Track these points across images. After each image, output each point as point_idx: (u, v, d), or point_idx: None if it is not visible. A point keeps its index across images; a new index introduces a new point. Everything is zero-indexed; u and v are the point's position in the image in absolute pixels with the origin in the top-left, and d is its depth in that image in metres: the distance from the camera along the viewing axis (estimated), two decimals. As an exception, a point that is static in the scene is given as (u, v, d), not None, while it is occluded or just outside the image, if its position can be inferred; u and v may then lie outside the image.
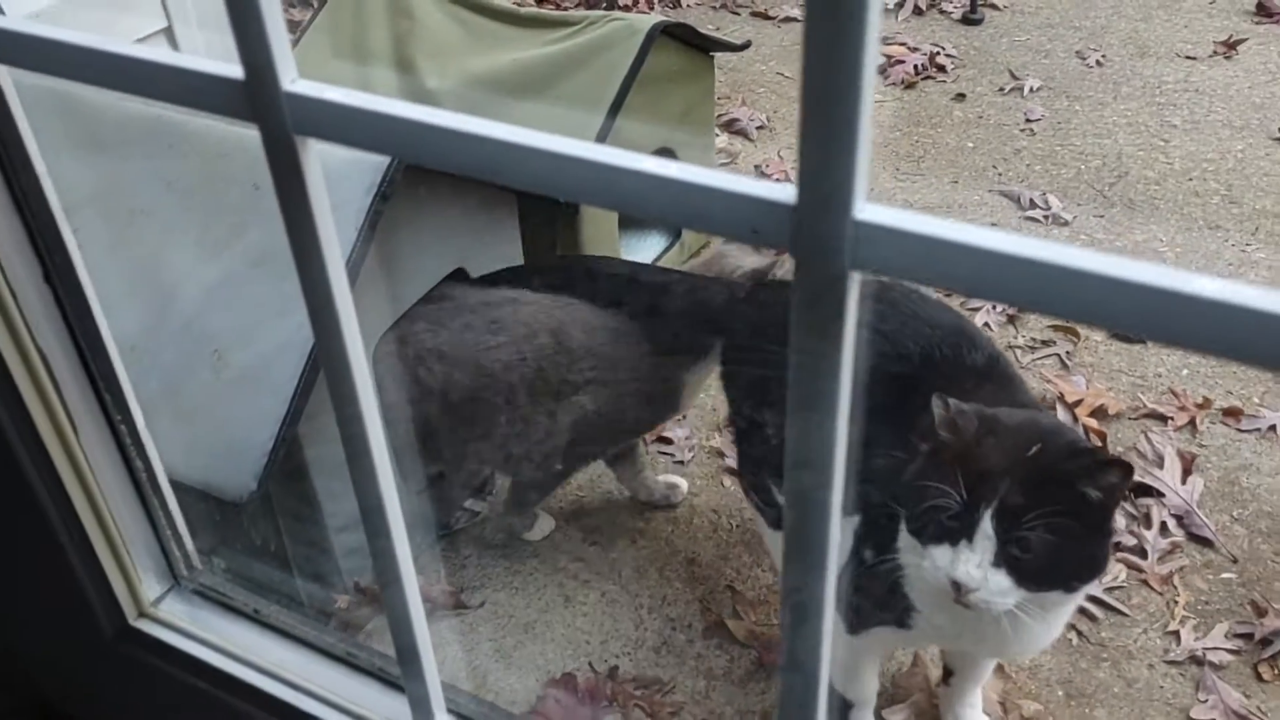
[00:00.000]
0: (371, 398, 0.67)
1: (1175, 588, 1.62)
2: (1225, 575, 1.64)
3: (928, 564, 1.07)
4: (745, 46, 2.25)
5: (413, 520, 1.63)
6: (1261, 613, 1.56)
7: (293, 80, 0.56)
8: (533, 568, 1.67)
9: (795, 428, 0.51)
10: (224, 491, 1.33)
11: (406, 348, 1.52)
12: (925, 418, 1.12)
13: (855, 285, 0.47)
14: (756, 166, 2.66)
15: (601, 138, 1.86)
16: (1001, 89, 2.95)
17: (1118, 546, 1.66)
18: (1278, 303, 0.37)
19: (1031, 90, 2.92)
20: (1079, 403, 1.90)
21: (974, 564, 1.02)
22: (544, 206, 1.85)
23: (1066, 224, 2.39)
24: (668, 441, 1.87)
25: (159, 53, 0.60)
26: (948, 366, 1.24)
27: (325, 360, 0.67)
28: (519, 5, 2.55)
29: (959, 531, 1.04)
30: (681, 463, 1.84)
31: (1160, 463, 1.80)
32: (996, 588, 1.03)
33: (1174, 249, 2.31)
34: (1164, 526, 1.70)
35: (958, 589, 1.04)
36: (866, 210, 0.45)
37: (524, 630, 1.58)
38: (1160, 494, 1.75)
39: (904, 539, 1.14)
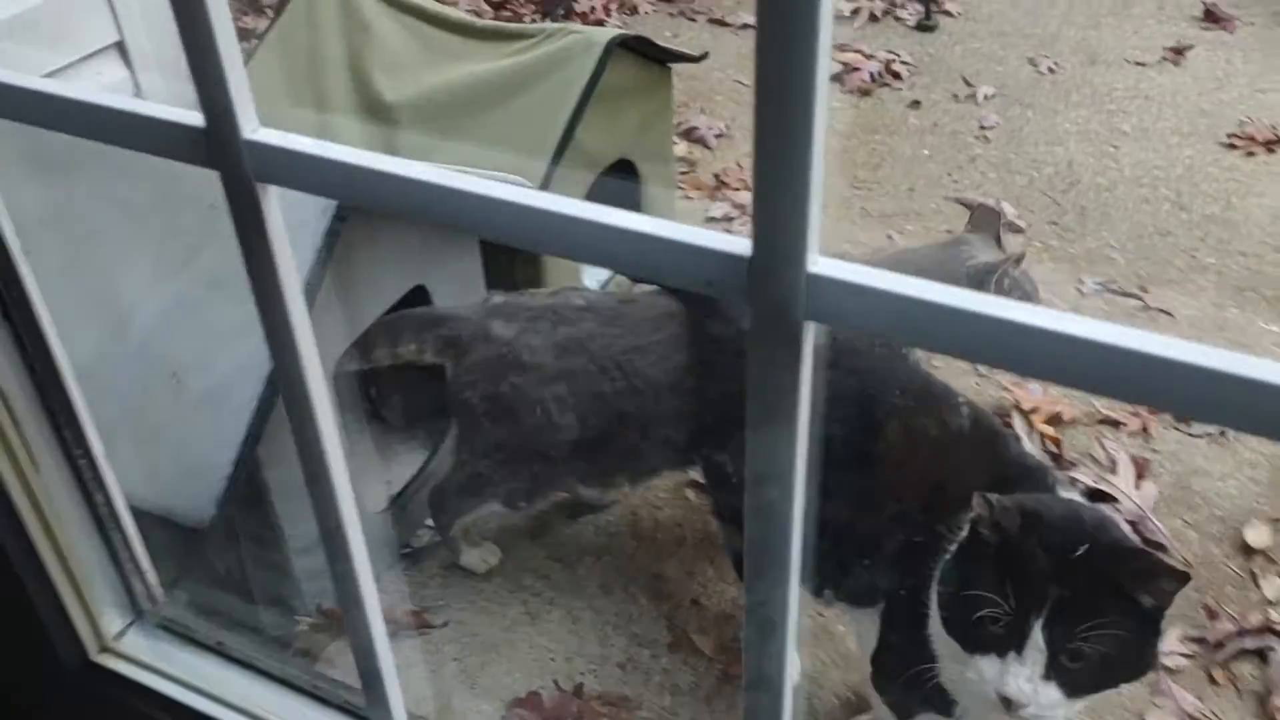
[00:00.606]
0: (330, 420, 0.68)
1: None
2: (1179, 579, 1.67)
3: (973, 674, 1.02)
4: (703, 58, 2.27)
5: (373, 540, 1.63)
6: (1214, 616, 1.60)
7: (254, 129, 0.56)
8: (497, 586, 1.67)
9: (755, 470, 0.53)
10: (184, 517, 1.32)
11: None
12: (915, 499, 1.11)
13: (810, 334, 0.48)
14: (716, 175, 2.67)
15: (559, 152, 1.86)
16: (956, 96, 2.98)
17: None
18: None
19: (985, 98, 2.96)
20: (1035, 410, 1.93)
21: (1024, 678, 0.98)
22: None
23: (1021, 231, 2.42)
24: (630, 455, 1.87)
25: (120, 99, 0.60)
26: (925, 435, 1.21)
27: (285, 390, 0.67)
28: (477, 15, 2.55)
29: (1007, 642, 0.99)
30: (644, 476, 1.85)
31: (1114, 468, 1.83)
32: (1048, 701, 0.99)
33: (1125, 255, 2.34)
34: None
35: (1008, 705, 1.00)
36: (820, 264, 0.46)
37: (489, 649, 1.58)
38: (1115, 500, 1.78)
39: (940, 637, 1.08)
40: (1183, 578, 0.97)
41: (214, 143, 0.56)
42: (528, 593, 1.66)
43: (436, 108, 1.95)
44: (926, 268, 1.68)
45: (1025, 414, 1.92)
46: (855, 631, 1.42)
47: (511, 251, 1.87)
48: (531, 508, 1.70)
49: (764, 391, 0.50)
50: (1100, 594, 0.97)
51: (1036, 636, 0.97)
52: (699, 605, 1.63)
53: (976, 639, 1.01)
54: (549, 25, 1.99)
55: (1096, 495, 1.79)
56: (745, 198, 2.56)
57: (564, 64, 1.90)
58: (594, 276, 2.18)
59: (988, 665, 1.00)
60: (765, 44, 0.41)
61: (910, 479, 1.19)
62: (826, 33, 0.40)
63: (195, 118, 0.56)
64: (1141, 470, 1.83)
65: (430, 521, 1.72)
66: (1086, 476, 1.80)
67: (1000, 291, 1.60)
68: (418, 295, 1.62)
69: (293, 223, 0.61)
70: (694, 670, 1.55)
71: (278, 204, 0.58)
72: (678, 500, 1.81)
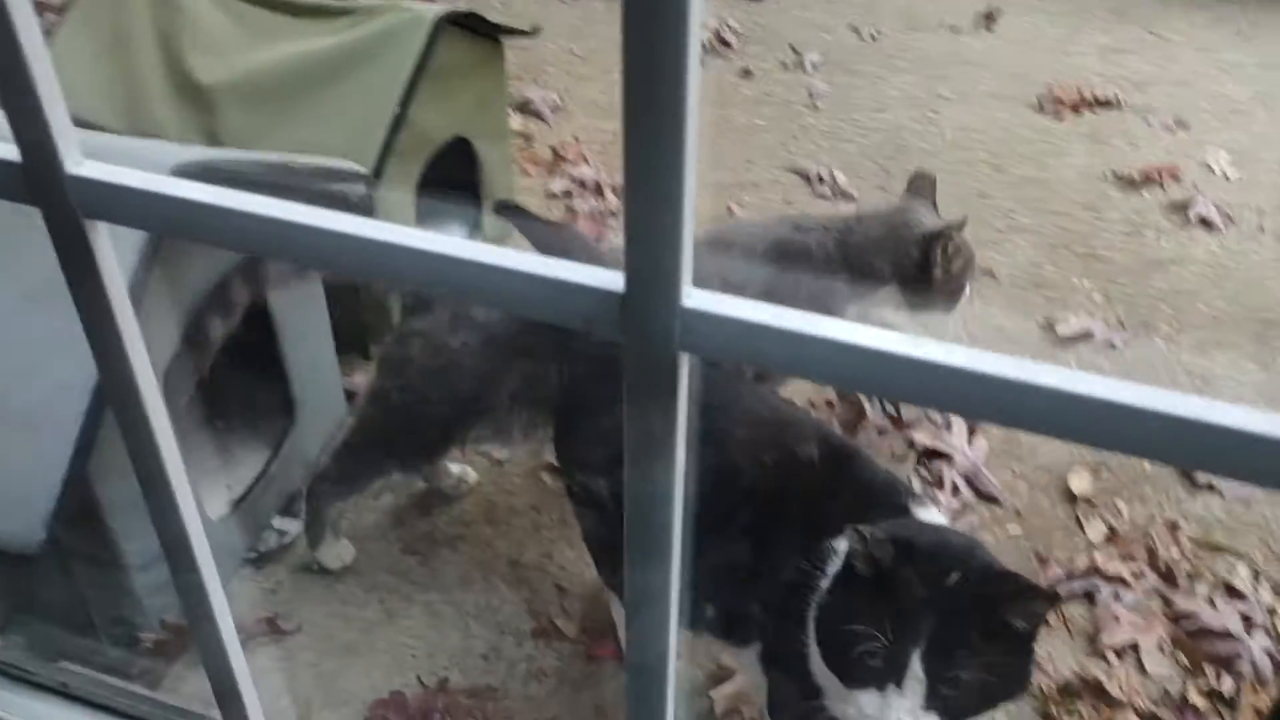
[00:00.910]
0: (167, 429, 0.63)
1: (969, 546, 1.73)
2: (1011, 528, 1.77)
3: (854, 711, 1.01)
4: (535, 33, 2.23)
5: (217, 548, 1.57)
6: (1044, 563, 1.69)
7: (77, 163, 0.52)
8: (351, 586, 1.63)
9: (633, 497, 0.52)
10: (11, 543, 1.23)
11: None
12: (791, 538, 1.09)
13: (685, 364, 0.48)
14: (553, 149, 2.64)
15: (392, 134, 1.81)
16: (785, 65, 3.03)
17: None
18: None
19: (813, 66, 3.02)
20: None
21: (905, 710, 0.97)
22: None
23: (853, 199, 2.49)
24: (482, 441, 1.85)
25: None
26: (782, 465, 1.20)
27: (119, 414, 0.63)
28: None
29: (887, 675, 0.98)
30: (500, 462, 1.83)
31: (949, 426, 1.91)
32: None
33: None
34: (955, 488, 1.82)
35: None
36: (693, 297, 0.46)
37: (346, 651, 1.54)
38: (949, 457, 1.86)
39: (821, 672, 1.07)
40: (1052, 598, 0.99)
41: (33, 178, 0.52)
42: (384, 590, 1.63)
43: (258, 90, 1.86)
44: (878, 235, 1.69)
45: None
46: (741, 669, 1.42)
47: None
48: (426, 469, 1.71)
49: (641, 421, 0.49)
50: (975, 621, 0.97)
51: (915, 667, 0.96)
52: (560, 589, 1.63)
53: (856, 673, 1.00)
54: (371, 1, 1.92)
55: (933, 454, 1.87)
56: (585, 172, 2.54)
57: (391, 43, 1.84)
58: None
59: (868, 700, 0.99)
60: (632, 94, 0.40)
61: (766, 511, 1.17)
62: (695, 86, 0.39)
63: (10, 151, 0.52)
64: (973, 426, 1.92)
65: (278, 523, 1.66)
66: (924, 436, 1.88)
67: (947, 257, 1.64)
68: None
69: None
70: (558, 654, 1.55)
71: (108, 239, 0.54)
72: (532, 485, 1.80)
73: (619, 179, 2.57)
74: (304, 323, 1.69)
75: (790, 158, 2.65)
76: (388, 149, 1.80)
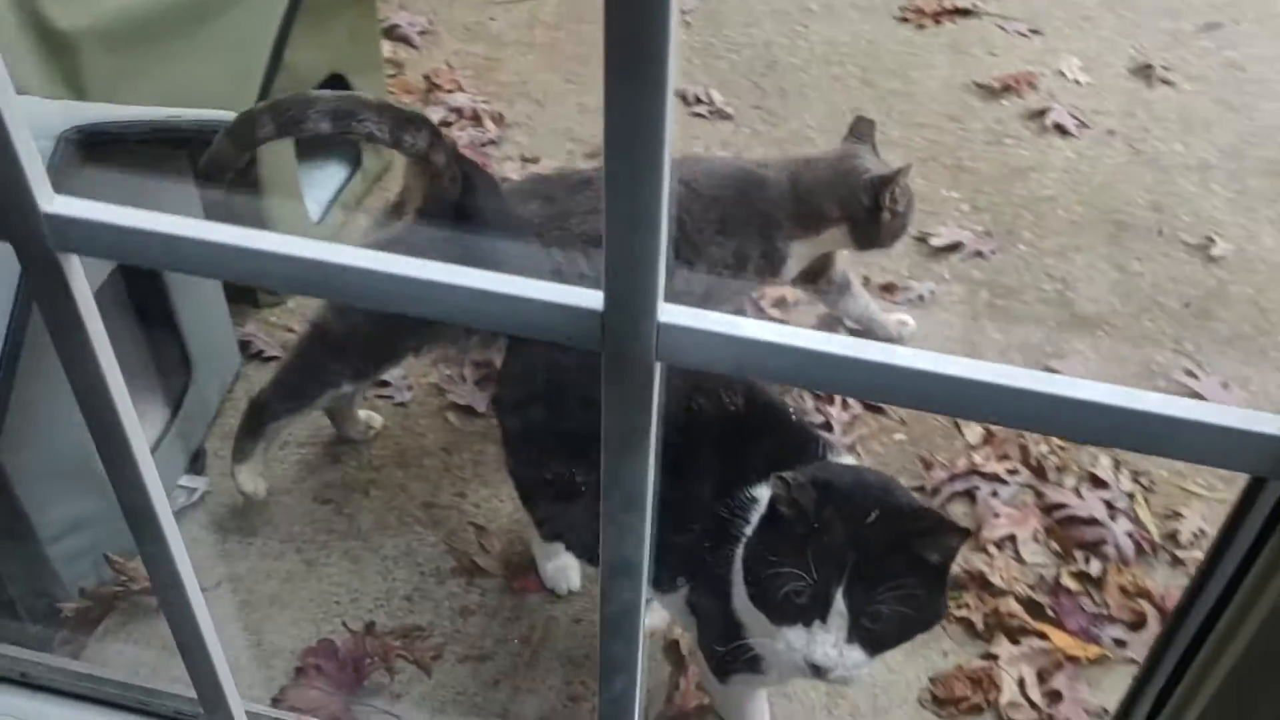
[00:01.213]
0: (131, 411, 0.64)
1: (860, 454, 1.83)
2: (898, 436, 1.88)
3: (782, 646, 1.06)
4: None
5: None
6: (929, 466, 1.81)
7: (49, 199, 0.53)
8: (266, 538, 1.64)
9: (611, 493, 0.57)
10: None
11: None
12: (709, 482, 1.13)
13: (659, 372, 0.53)
14: (426, 76, 2.60)
15: (269, 78, 1.76)
16: (653, -20, 3.02)
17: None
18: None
19: (681, -20, 3.02)
20: (762, 296, 2.06)
21: (830, 644, 1.03)
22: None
23: (730, 118, 2.53)
24: (384, 384, 1.86)
25: None
26: (710, 417, 1.24)
27: (99, 440, 0.64)
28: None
29: (811, 611, 1.04)
30: (403, 404, 1.85)
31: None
32: (852, 663, 1.05)
33: (823, 135, 2.51)
34: (844, 402, 1.92)
35: (817, 671, 1.05)
36: (667, 312, 0.50)
37: (270, 603, 1.56)
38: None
39: (746, 610, 1.12)
40: (964, 533, 1.04)
41: (6, 215, 0.52)
42: (300, 541, 1.65)
43: (123, 35, 1.77)
44: (829, 179, 1.76)
45: (753, 302, 2.05)
46: (671, 614, 1.46)
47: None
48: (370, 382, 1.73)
49: (618, 424, 0.54)
50: (892, 557, 1.03)
51: (838, 604, 1.02)
52: (476, 528, 1.67)
53: (783, 611, 1.05)
54: (239, -64, 1.84)
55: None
56: (461, 99, 2.51)
57: (263, -21, 1.78)
58: (316, 200, 2.10)
59: (795, 636, 1.05)
60: (613, 133, 0.43)
61: (693, 463, 1.20)
62: (671, 127, 0.43)
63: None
64: (858, 341, 2.01)
65: (185, 481, 1.65)
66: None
67: (894, 201, 1.72)
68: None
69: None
70: (481, 590, 1.60)
71: (83, 275, 0.55)
72: (439, 426, 1.83)
73: (495, 106, 2.56)
74: (194, 278, 1.66)
75: (665, 77, 2.66)
76: (265, 94, 1.76)
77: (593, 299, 0.50)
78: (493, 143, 2.42)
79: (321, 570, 1.61)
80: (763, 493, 1.13)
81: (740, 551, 1.12)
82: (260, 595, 1.57)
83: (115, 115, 1.39)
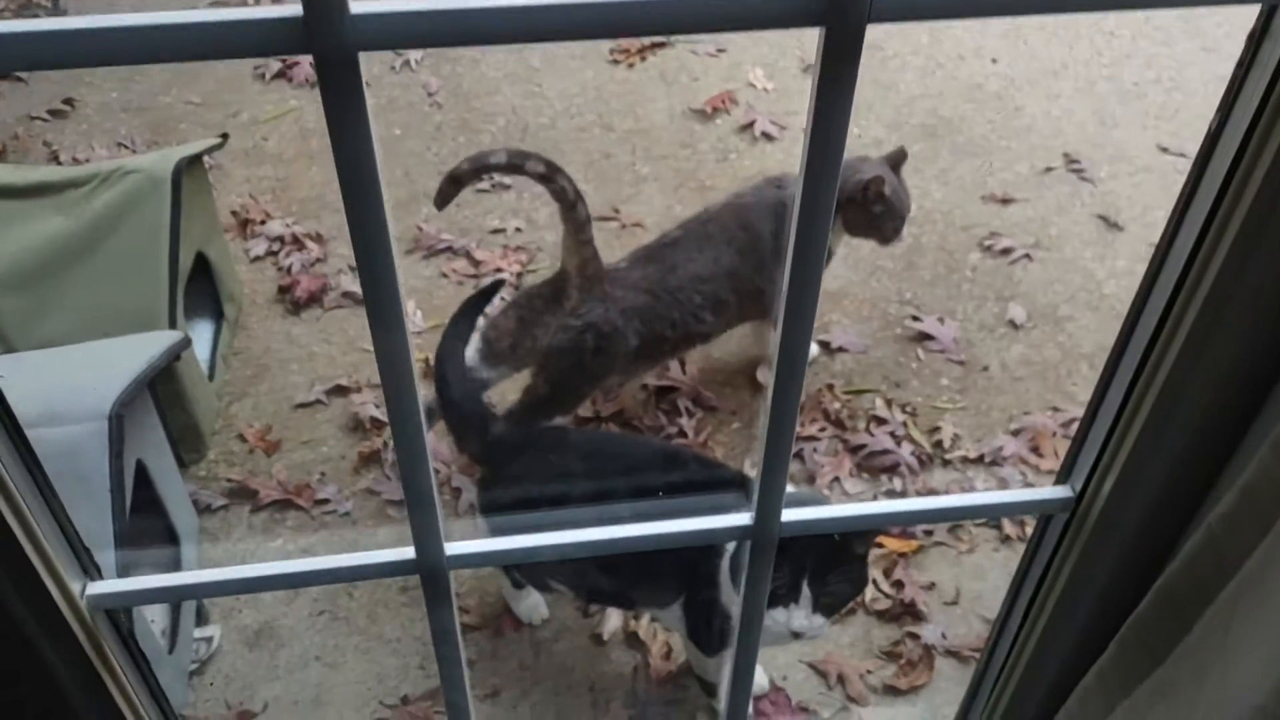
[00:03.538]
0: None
1: (711, 447, 2.38)
2: (734, 425, 2.43)
3: (769, 622, 1.49)
4: (225, 140, 2.46)
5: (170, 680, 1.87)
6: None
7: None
8: (284, 657, 2.00)
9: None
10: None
11: None
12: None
13: (362, 62, 0.59)
14: (234, 213, 2.86)
15: (173, 292, 2.05)
16: (393, 67, 3.37)
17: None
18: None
19: (416, 62, 3.38)
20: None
21: (803, 616, 1.53)
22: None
23: (509, 188, 2.96)
24: (323, 501, 2.22)
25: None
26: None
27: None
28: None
29: (788, 597, 1.51)
30: (347, 514, 2.22)
31: (681, 365, 2.52)
32: (818, 625, 1.54)
33: (591, 185, 2.97)
34: (687, 410, 2.45)
35: (796, 634, 1.55)
36: (358, 7, 0.56)
37: (314, 707, 1.94)
38: (678, 389, 2.48)
39: (733, 601, 1.57)
40: (876, 533, 1.62)
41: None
42: (315, 650, 2.01)
43: (24, 277, 2.01)
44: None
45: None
46: (667, 623, 1.93)
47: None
48: None
49: (337, 126, 0.60)
50: (836, 553, 1.52)
51: (805, 590, 1.52)
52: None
53: (768, 599, 1.48)
54: (99, 167, 2.09)
55: (665, 390, 2.48)
56: (277, 227, 2.79)
57: (138, 207, 2.04)
58: (201, 360, 2.39)
59: (779, 614, 1.53)
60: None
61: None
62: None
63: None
64: (682, 360, 2.54)
65: (198, 633, 1.97)
66: (654, 379, 2.48)
67: (882, 196, 2.24)
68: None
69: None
70: (475, 643, 2.03)
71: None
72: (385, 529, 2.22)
73: (305, 225, 2.85)
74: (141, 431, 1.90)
75: (437, 160, 3.05)
76: (173, 293, 2.05)
77: (292, 10, 0.54)
78: (320, 260, 2.73)
79: (342, 668, 1.99)
80: None
81: (724, 564, 1.64)
82: (304, 703, 1.94)
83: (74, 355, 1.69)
